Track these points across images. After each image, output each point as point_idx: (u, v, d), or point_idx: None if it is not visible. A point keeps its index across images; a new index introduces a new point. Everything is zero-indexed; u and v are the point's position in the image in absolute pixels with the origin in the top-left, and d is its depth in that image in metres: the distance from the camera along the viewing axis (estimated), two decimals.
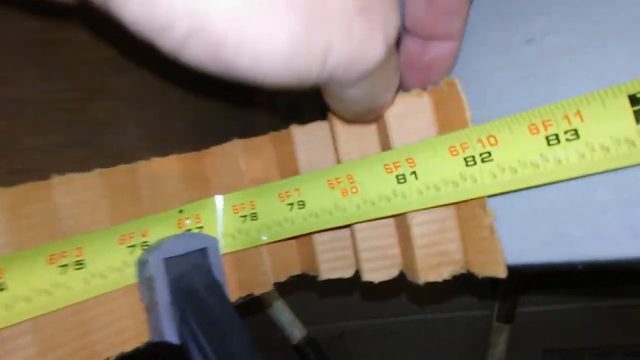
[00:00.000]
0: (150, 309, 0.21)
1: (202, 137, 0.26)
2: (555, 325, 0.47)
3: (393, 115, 0.21)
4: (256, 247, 0.23)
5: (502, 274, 0.19)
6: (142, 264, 0.21)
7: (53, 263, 0.19)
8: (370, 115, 0.20)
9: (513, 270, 0.20)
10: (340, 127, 0.22)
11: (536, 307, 0.48)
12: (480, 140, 0.19)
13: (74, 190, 0.20)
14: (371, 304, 0.50)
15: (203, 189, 0.23)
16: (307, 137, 0.23)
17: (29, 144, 0.21)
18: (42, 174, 0.19)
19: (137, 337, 0.21)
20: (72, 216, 0.20)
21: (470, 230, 0.20)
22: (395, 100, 0.21)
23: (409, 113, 0.21)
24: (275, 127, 0.24)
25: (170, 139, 0.27)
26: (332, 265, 0.23)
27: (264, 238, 0.22)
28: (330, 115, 0.22)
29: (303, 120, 0.24)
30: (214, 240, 0.22)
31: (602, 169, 0.17)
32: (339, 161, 0.22)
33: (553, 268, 0.19)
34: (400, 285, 0.22)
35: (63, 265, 0.19)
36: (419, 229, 0.21)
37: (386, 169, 0.20)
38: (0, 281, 0.18)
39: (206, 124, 0.29)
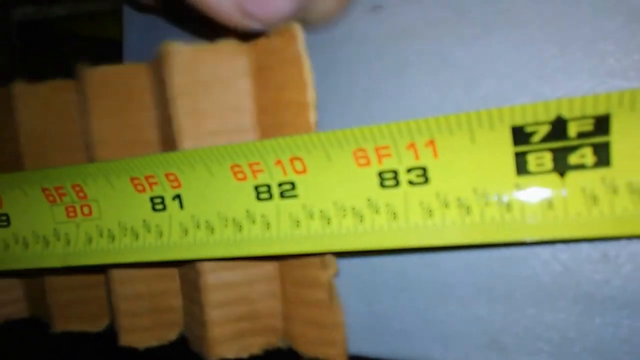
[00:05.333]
0: None
1: None
2: None
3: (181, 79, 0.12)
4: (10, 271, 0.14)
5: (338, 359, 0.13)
6: None
7: None
8: None
9: None
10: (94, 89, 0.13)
11: None
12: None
13: None
14: None
15: None
16: (36, 102, 0.14)
17: None
18: None
19: None
20: None
21: (297, 287, 0.13)
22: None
23: (213, 77, 0.12)
24: None
25: None
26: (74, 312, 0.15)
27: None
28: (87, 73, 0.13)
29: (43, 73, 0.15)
30: None
31: None
32: (92, 157, 0.14)
33: None
34: None
35: None
36: (210, 276, 0.13)
37: (135, 184, 0.12)
38: None
39: None
